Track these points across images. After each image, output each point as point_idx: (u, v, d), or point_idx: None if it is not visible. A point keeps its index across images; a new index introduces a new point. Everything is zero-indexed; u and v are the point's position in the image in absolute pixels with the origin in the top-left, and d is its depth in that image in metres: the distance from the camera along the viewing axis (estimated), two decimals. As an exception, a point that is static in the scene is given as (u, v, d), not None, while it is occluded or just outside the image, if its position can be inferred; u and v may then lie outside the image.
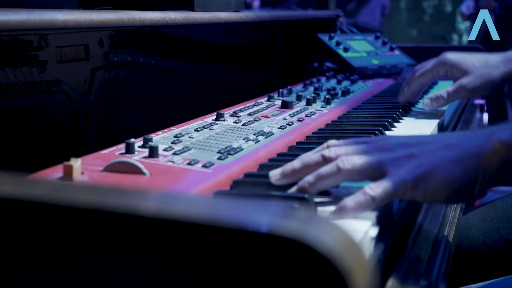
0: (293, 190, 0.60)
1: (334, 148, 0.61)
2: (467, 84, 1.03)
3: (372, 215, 0.55)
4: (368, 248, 0.53)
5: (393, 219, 0.62)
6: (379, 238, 0.55)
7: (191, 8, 1.09)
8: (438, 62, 1.08)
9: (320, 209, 0.58)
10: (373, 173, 0.57)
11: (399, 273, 0.57)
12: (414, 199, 0.57)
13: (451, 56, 1.07)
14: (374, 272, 0.33)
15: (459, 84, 1.04)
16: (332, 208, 0.58)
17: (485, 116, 1.47)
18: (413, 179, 0.55)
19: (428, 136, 0.62)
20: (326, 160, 0.59)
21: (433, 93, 1.05)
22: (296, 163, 0.61)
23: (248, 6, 4.48)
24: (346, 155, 0.59)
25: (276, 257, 0.31)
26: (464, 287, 0.79)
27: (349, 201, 0.55)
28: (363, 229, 0.53)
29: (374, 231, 0.54)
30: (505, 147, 0.56)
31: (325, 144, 0.63)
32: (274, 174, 0.62)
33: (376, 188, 0.55)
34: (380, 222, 0.57)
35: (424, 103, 1.05)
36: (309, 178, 0.59)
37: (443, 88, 1.10)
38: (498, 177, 0.57)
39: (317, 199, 0.60)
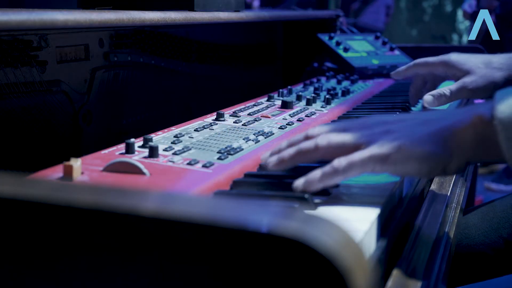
0: (273, 159, 0.63)
1: (318, 127, 0.64)
2: (469, 84, 1.02)
3: (374, 212, 0.56)
4: (371, 244, 0.53)
5: (395, 215, 0.62)
6: (380, 234, 0.56)
7: (191, 8, 1.09)
8: (440, 59, 1.08)
9: (320, 208, 0.58)
10: (350, 149, 0.59)
11: (400, 272, 0.57)
12: (385, 172, 0.59)
13: (454, 56, 1.07)
14: (375, 269, 0.33)
15: (461, 83, 1.03)
16: (332, 208, 0.58)
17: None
18: (381, 151, 0.57)
19: (410, 114, 0.65)
20: (309, 138, 0.63)
21: (436, 90, 1.04)
22: (283, 143, 0.66)
23: (248, 6, 4.48)
24: (326, 133, 0.62)
25: (276, 257, 0.31)
26: (464, 286, 0.79)
27: (316, 172, 0.58)
28: (370, 218, 0.54)
29: (375, 227, 0.55)
30: (482, 120, 0.56)
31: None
32: (264, 156, 0.66)
33: (342, 160, 0.58)
34: (382, 219, 0.57)
35: (425, 100, 1.03)
36: (290, 150, 0.62)
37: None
38: (476, 152, 0.57)
39: (317, 200, 0.60)
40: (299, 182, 0.59)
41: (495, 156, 0.56)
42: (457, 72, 1.04)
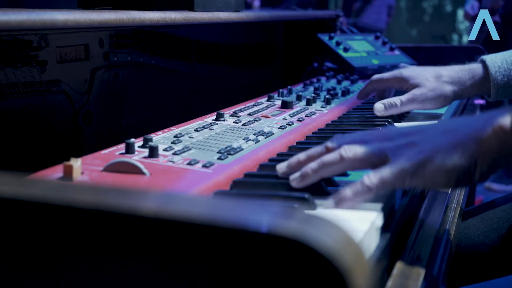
0: (296, 176, 0.61)
1: (337, 139, 0.63)
2: (419, 96, 1.05)
3: (374, 212, 0.56)
4: (371, 243, 0.53)
5: (395, 215, 0.62)
6: (380, 234, 0.56)
7: (191, 8, 1.09)
8: (393, 75, 1.11)
9: (320, 208, 0.58)
10: (375, 161, 0.59)
11: (400, 272, 0.57)
12: (414, 186, 0.59)
13: (406, 71, 1.10)
14: (375, 269, 0.33)
15: (412, 94, 1.06)
16: (332, 208, 0.58)
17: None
18: (411, 166, 0.57)
19: (428, 124, 0.64)
20: (329, 151, 0.62)
21: (387, 99, 1.06)
22: (301, 155, 0.64)
23: (248, 6, 4.48)
24: (348, 144, 0.61)
25: (276, 257, 0.31)
26: (464, 287, 0.79)
27: (347, 191, 0.57)
28: (370, 218, 0.54)
29: (379, 221, 0.56)
30: (504, 131, 0.56)
31: (332, 138, 0.65)
32: (281, 167, 0.65)
33: (373, 178, 0.57)
34: (385, 213, 0.57)
35: (375, 108, 1.05)
36: (313, 165, 0.61)
37: None
38: (498, 162, 0.58)
39: (317, 201, 0.60)
40: (330, 203, 0.58)
41: None
42: (409, 86, 1.07)
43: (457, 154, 0.57)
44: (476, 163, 0.57)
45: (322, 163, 0.61)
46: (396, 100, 1.05)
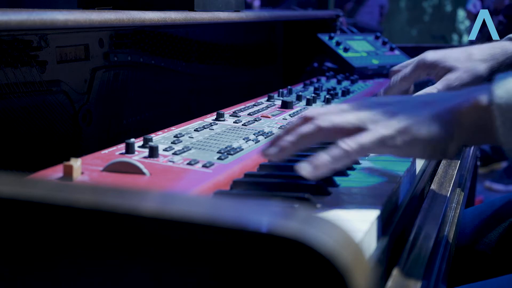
0: (274, 149, 0.61)
1: (315, 109, 0.63)
2: (454, 81, 0.96)
3: (374, 212, 0.56)
4: (371, 244, 0.53)
5: (395, 215, 0.62)
6: (381, 234, 0.56)
7: (191, 8, 1.09)
8: (417, 64, 1.00)
9: (320, 208, 0.58)
10: (352, 130, 0.58)
11: (400, 272, 0.57)
12: (389, 154, 0.58)
13: (431, 55, 0.99)
14: (375, 269, 0.33)
15: (446, 80, 0.97)
16: (332, 208, 0.58)
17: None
18: (390, 134, 0.57)
19: (407, 96, 0.64)
20: (307, 120, 0.61)
21: (422, 90, 0.98)
22: (280, 131, 0.63)
23: (248, 6, 4.47)
24: (325, 114, 0.60)
25: (276, 257, 0.31)
26: (464, 286, 0.79)
27: (323, 155, 0.57)
28: (370, 219, 0.54)
29: (375, 227, 0.55)
30: (480, 105, 0.56)
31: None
32: (267, 151, 0.63)
33: (350, 142, 0.57)
34: (382, 219, 0.57)
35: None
36: (290, 137, 0.60)
37: None
38: (475, 136, 0.58)
39: (317, 200, 0.60)
40: (304, 167, 0.57)
41: (492, 141, 0.56)
42: (440, 71, 0.99)
43: (434, 126, 0.57)
44: (453, 136, 0.57)
45: (299, 134, 0.60)
46: (433, 89, 0.97)
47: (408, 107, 0.59)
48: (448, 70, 0.98)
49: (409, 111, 0.58)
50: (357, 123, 0.59)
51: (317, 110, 0.63)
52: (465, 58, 0.98)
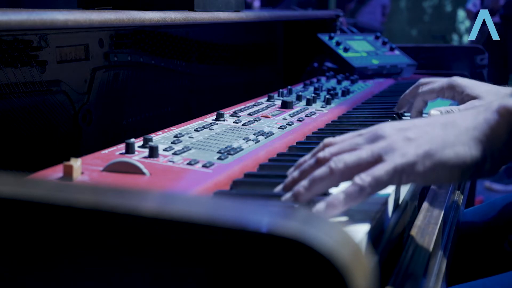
0: (287, 197, 0.57)
1: (328, 148, 0.59)
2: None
3: (374, 212, 0.55)
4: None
5: (398, 209, 0.62)
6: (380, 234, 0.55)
7: (191, 8, 1.09)
8: (448, 84, 1.01)
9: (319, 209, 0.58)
10: (368, 165, 0.54)
11: (400, 272, 0.57)
12: (412, 182, 0.55)
13: (463, 81, 1.01)
14: (373, 271, 0.33)
15: (472, 105, 0.96)
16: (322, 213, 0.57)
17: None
18: (408, 161, 0.53)
19: (423, 119, 0.59)
20: (321, 162, 0.57)
21: (444, 106, 0.98)
22: (295, 173, 0.60)
23: (248, 6, 4.47)
24: (338, 153, 0.57)
25: (276, 257, 0.31)
26: (464, 284, 0.79)
27: (339, 194, 0.53)
28: (365, 226, 0.52)
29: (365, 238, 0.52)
30: (510, 111, 0.53)
31: (321, 144, 0.60)
32: (278, 190, 0.60)
33: (365, 177, 0.53)
34: (382, 219, 0.57)
35: (432, 115, 0.95)
36: (304, 182, 0.56)
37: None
38: (508, 147, 0.54)
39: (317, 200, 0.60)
40: (320, 207, 0.53)
41: None
42: (466, 97, 0.99)
43: (459, 145, 0.53)
44: (486, 153, 0.54)
45: (313, 180, 0.56)
46: (455, 109, 0.95)
47: (426, 132, 0.55)
48: (474, 97, 0.98)
49: (427, 136, 0.55)
50: (371, 156, 0.55)
51: (331, 148, 0.58)
52: (493, 92, 0.98)
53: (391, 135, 0.56)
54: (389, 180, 0.53)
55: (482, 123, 0.54)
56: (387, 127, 0.58)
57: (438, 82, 1.03)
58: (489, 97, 0.97)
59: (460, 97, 1.00)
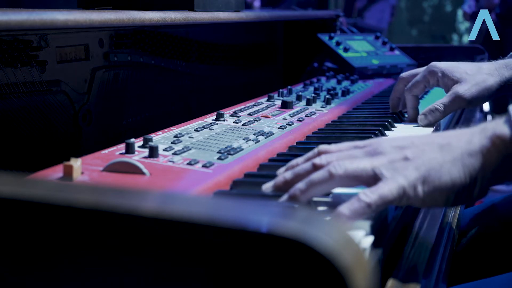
0: (284, 198, 0.57)
1: (325, 155, 0.59)
2: (464, 93, 0.94)
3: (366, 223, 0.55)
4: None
5: (394, 217, 0.62)
6: (374, 245, 0.55)
7: (191, 8, 1.09)
8: (428, 71, 1.00)
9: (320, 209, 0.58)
10: (367, 178, 0.55)
11: (400, 272, 0.57)
12: (411, 204, 0.55)
13: (441, 64, 0.99)
14: (373, 271, 0.33)
15: (454, 93, 0.95)
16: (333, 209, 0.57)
17: (489, 118, 1.45)
18: (409, 184, 0.54)
19: (421, 137, 0.59)
20: (317, 168, 0.57)
21: (427, 107, 0.97)
22: (287, 174, 0.59)
23: (248, 6, 4.47)
24: (338, 160, 0.57)
25: (276, 257, 0.31)
26: (464, 284, 0.79)
27: (343, 209, 0.53)
28: (365, 226, 0.52)
29: (368, 241, 0.52)
30: (504, 142, 0.54)
31: (315, 150, 0.60)
32: (267, 187, 0.61)
33: (371, 194, 0.53)
34: (382, 219, 0.57)
35: (419, 120, 0.97)
36: (301, 185, 0.56)
37: (435, 95, 1.04)
38: (498, 175, 0.56)
39: (317, 199, 0.60)
40: None
41: None
42: (448, 81, 0.98)
43: (456, 171, 0.54)
44: (476, 179, 0.55)
45: (310, 183, 0.56)
46: (439, 105, 0.95)
47: (424, 153, 0.56)
48: (456, 81, 0.97)
49: (425, 158, 0.55)
50: (372, 171, 0.55)
51: (328, 155, 0.58)
52: (474, 71, 0.96)
53: (390, 152, 0.56)
54: (393, 200, 0.53)
55: (477, 150, 0.55)
56: (386, 144, 0.58)
57: (419, 72, 1.02)
58: (471, 78, 0.95)
59: (443, 82, 0.99)
